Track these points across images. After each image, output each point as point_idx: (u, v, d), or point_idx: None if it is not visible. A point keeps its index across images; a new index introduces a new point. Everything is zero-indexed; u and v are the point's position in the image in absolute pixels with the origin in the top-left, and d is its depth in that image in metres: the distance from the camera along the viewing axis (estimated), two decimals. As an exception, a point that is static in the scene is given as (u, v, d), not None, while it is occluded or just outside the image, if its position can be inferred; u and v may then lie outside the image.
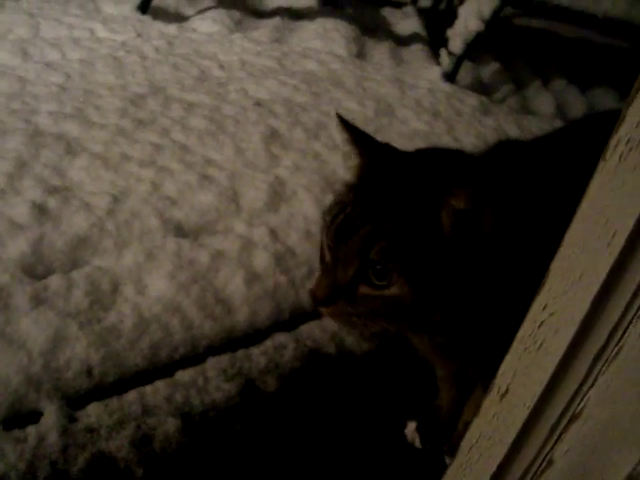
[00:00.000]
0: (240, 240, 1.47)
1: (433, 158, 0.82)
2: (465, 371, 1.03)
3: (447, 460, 1.10)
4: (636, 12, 2.65)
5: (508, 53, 3.46)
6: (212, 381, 1.18)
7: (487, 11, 2.58)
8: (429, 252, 0.70)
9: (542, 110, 2.94)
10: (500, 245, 0.71)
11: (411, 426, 1.17)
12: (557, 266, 0.54)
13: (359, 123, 2.27)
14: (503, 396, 0.62)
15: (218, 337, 1.28)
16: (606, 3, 2.64)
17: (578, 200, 0.51)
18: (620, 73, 3.42)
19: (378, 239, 0.70)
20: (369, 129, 2.18)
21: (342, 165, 1.87)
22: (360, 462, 1.11)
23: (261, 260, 1.44)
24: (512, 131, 2.47)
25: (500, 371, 0.62)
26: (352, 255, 0.72)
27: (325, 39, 3.07)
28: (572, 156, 0.83)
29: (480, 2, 2.59)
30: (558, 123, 2.68)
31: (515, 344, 0.60)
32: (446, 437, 1.14)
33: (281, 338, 1.32)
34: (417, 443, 1.15)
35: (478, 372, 0.96)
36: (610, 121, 0.49)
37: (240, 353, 1.26)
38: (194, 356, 1.23)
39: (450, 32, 2.73)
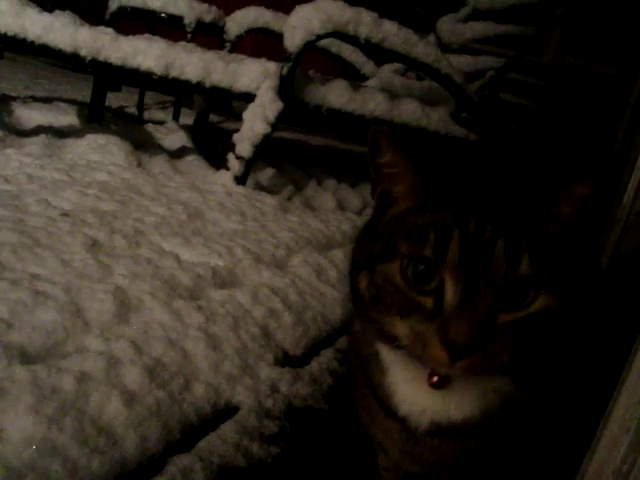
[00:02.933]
0: (102, 357, 1.25)
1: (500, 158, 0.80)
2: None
3: None
4: (396, 113, 2.98)
5: (277, 160, 3.62)
6: (126, 529, 0.95)
7: (272, 114, 2.69)
8: (557, 250, 0.64)
9: (326, 206, 3.11)
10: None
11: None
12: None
13: (175, 227, 2.16)
14: None
15: (111, 475, 1.05)
16: (371, 105, 2.93)
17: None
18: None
19: (519, 251, 0.62)
20: (187, 232, 2.09)
21: (178, 269, 1.74)
22: None
23: (133, 377, 1.24)
24: (314, 224, 2.54)
25: None
26: (496, 278, 0.61)
27: (102, 152, 2.91)
28: None
29: (264, 107, 2.69)
30: (349, 214, 2.88)
31: None
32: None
33: (184, 461, 1.12)
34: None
35: None
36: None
37: (145, 488, 1.04)
38: (91, 504, 0.98)
39: (237, 137, 2.78)
